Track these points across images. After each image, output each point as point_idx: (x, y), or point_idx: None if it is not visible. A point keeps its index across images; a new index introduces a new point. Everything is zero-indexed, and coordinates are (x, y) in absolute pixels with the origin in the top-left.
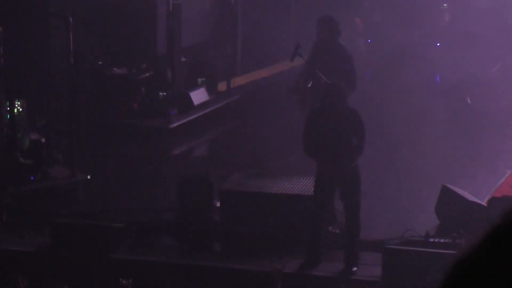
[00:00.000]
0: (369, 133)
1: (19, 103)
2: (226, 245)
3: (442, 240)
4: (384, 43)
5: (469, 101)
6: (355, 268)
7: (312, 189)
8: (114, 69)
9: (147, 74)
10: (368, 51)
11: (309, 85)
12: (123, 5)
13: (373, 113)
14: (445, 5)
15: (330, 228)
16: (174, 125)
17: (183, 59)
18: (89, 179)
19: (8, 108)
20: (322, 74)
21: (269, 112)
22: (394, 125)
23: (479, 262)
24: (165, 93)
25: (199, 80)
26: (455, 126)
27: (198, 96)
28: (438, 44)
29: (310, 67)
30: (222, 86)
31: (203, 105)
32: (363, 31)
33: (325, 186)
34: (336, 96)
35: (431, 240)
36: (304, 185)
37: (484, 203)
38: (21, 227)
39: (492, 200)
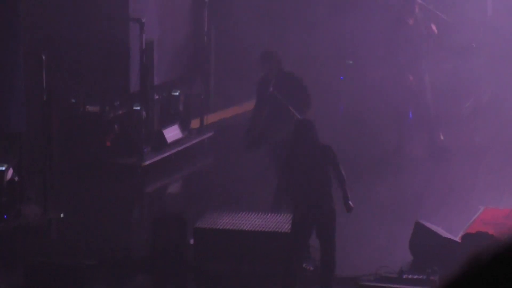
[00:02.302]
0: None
1: None
2: (199, 283)
3: (416, 277)
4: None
5: (442, 137)
6: None
7: (285, 226)
8: (87, 106)
9: (120, 112)
10: (342, 88)
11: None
12: (96, 42)
13: (346, 149)
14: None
15: (304, 265)
16: (147, 162)
17: (156, 97)
18: (63, 217)
19: None
20: (275, 104)
21: (242, 149)
22: (368, 161)
23: None
24: (138, 131)
25: (172, 116)
26: (428, 162)
27: (171, 133)
28: (342, 78)
29: (260, 106)
30: (195, 123)
31: (176, 142)
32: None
33: (304, 225)
34: (308, 132)
35: (405, 276)
36: (277, 222)
37: (457, 239)
38: None
39: (466, 236)
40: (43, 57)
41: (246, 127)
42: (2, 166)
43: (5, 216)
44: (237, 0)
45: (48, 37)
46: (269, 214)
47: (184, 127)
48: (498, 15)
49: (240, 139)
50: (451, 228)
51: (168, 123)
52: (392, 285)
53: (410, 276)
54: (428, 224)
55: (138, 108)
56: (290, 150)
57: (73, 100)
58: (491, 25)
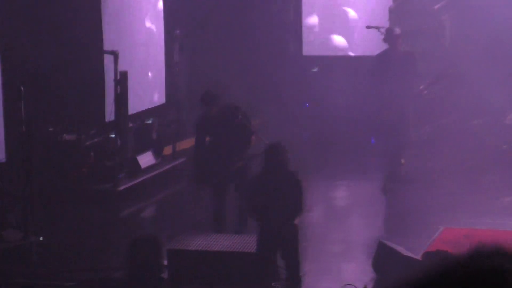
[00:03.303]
0: (309, 190)
1: None
2: None
3: None
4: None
5: (403, 161)
6: None
7: (253, 247)
8: (64, 135)
9: (96, 140)
10: (307, 114)
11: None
12: (72, 74)
13: (310, 170)
14: (315, 69)
15: (273, 284)
16: (122, 187)
17: (131, 125)
18: (42, 240)
19: None
20: (243, 130)
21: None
22: (332, 184)
23: None
24: (113, 158)
25: (145, 144)
26: (390, 185)
27: (145, 159)
28: (307, 105)
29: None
30: (168, 150)
31: (150, 168)
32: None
33: (268, 245)
34: (278, 157)
35: None
36: (244, 243)
37: (418, 257)
38: None
39: (426, 254)
40: (22, 89)
41: (193, 164)
42: None
43: None
44: (205, 34)
45: (26, 70)
46: (238, 236)
47: (157, 153)
48: (455, 45)
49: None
50: (413, 247)
51: (142, 150)
52: None
53: None
54: (390, 244)
55: (113, 136)
56: (258, 172)
57: (51, 129)
58: (449, 54)
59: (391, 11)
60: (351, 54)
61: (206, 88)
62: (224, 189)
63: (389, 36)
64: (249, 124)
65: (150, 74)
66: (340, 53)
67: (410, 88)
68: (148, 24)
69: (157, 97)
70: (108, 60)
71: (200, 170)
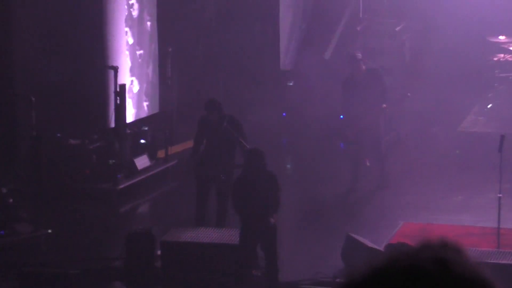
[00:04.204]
0: (285, 191)
1: None
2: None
3: None
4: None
5: (368, 164)
6: None
7: (236, 239)
8: (70, 140)
9: (98, 144)
10: (285, 123)
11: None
12: (78, 85)
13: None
14: (291, 83)
15: (253, 272)
16: (121, 186)
17: (128, 131)
18: (50, 233)
19: None
20: (228, 136)
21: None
22: (308, 184)
23: None
24: (113, 160)
25: (142, 145)
26: (358, 185)
27: (141, 162)
28: (284, 114)
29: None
30: (161, 153)
31: (145, 169)
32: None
33: (249, 238)
34: (258, 160)
35: (338, 280)
36: (229, 236)
37: (381, 248)
38: None
39: (388, 246)
40: (33, 99)
41: (190, 153)
42: None
43: (1, 232)
44: (195, 51)
45: (37, 82)
46: (223, 229)
47: (152, 156)
48: (414, 61)
49: (186, 162)
50: (377, 240)
51: (138, 153)
52: None
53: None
54: (357, 237)
55: (113, 140)
56: (241, 174)
57: (58, 135)
58: (409, 69)
59: (359, 33)
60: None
61: (210, 97)
62: (208, 190)
63: (352, 60)
64: (234, 132)
65: (145, 86)
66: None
67: (380, 103)
68: (144, 42)
69: (152, 107)
70: (109, 74)
71: (197, 157)
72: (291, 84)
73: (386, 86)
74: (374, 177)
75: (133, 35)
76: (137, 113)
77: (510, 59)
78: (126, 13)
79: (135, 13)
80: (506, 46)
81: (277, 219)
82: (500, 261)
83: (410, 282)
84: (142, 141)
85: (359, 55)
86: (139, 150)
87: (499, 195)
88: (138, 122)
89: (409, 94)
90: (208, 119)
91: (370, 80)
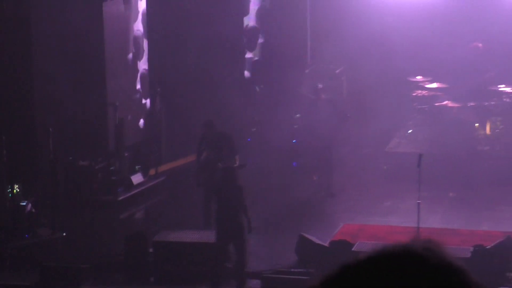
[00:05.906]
0: (254, 198)
1: (16, 186)
2: (157, 278)
3: (299, 270)
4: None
5: (315, 178)
6: None
7: (213, 239)
8: (80, 161)
9: (102, 165)
10: (250, 146)
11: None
12: (85, 120)
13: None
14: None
15: (226, 264)
16: (121, 198)
17: (126, 154)
18: (65, 235)
19: (9, 190)
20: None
21: (186, 189)
22: (267, 193)
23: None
24: (114, 177)
25: (137, 167)
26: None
27: (136, 178)
28: (249, 139)
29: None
30: (152, 171)
31: (140, 184)
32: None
33: (223, 239)
34: (230, 176)
35: (293, 270)
36: (207, 236)
37: (327, 244)
38: (20, 269)
39: (332, 242)
40: (50, 130)
41: (196, 171)
42: (23, 202)
43: (26, 236)
44: (186, 86)
45: (54, 115)
46: (203, 231)
47: (145, 174)
48: (350, 95)
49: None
50: (322, 237)
51: (134, 171)
52: (284, 276)
53: (296, 270)
54: (307, 235)
55: (114, 162)
56: (217, 187)
57: (70, 158)
58: (346, 102)
59: (307, 75)
60: None
61: (206, 119)
62: (210, 196)
63: (314, 90)
64: (221, 151)
65: (139, 119)
66: None
67: (336, 126)
68: (138, 85)
69: (145, 134)
70: (110, 110)
71: (198, 175)
72: (298, 116)
73: (342, 109)
74: (322, 188)
75: (128, 76)
76: (132, 139)
77: (426, 94)
78: (125, 61)
79: (130, 57)
80: (422, 84)
81: (246, 221)
82: None
83: (407, 260)
84: (137, 167)
85: (320, 86)
86: (135, 169)
87: (418, 201)
88: (133, 146)
89: (348, 115)
90: (205, 137)
91: (328, 106)
